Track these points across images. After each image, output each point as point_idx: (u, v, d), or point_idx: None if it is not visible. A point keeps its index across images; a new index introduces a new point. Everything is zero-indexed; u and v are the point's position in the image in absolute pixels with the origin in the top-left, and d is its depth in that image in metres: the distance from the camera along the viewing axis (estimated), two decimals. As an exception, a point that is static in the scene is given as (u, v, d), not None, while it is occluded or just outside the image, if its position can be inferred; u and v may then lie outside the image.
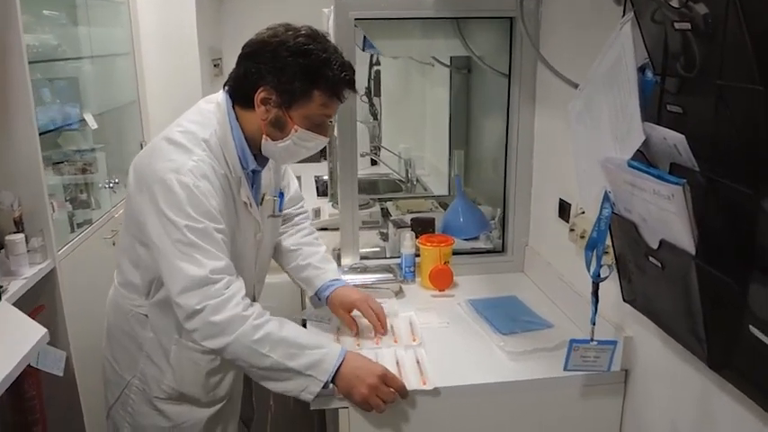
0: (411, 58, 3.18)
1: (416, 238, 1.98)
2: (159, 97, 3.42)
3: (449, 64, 2.64)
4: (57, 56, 2.60)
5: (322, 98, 1.42)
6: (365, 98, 3.92)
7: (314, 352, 1.38)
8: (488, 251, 2.13)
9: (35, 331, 1.75)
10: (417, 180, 3.15)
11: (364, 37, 2.15)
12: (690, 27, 0.99)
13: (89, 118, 2.69)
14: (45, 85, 2.59)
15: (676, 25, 1.01)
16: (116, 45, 3.23)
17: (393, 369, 1.44)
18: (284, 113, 1.43)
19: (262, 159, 1.55)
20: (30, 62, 2.22)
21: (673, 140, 1.03)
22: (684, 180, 0.97)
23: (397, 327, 1.66)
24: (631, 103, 1.11)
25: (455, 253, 1.98)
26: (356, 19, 1.79)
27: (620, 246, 1.28)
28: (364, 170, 3.56)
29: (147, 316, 1.57)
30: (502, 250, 2.09)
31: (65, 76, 2.79)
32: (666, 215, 1.03)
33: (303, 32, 1.42)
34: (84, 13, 2.93)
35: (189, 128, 1.46)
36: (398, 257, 2.00)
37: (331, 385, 1.38)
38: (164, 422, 1.59)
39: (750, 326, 0.95)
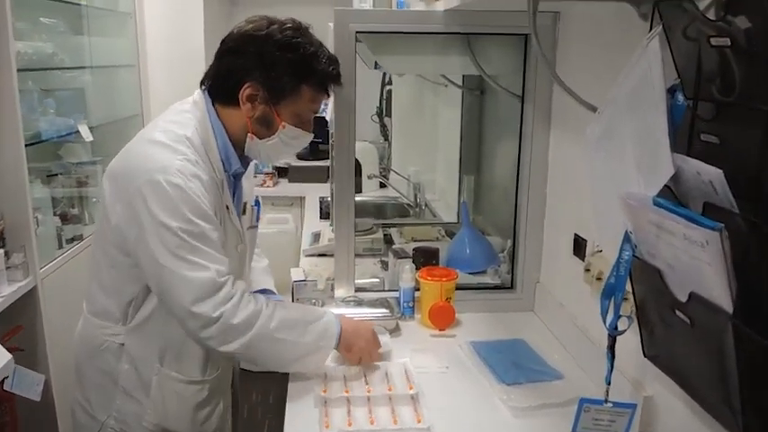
0: (423, 78, 3.04)
1: (417, 270, 1.82)
2: (164, 111, 3.31)
3: (461, 84, 2.49)
4: (53, 64, 2.50)
5: (310, 93, 1.39)
6: (376, 118, 3.80)
7: (318, 324, 1.44)
8: (496, 287, 1.96)
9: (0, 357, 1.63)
10: (426, 205, 2.99)
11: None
12: (729, 43, 0.84)
13: (83, 129, 2.59)
14: (47, 94, 2.49)
15: (713, 41, 0.87)
16: (120, 56, 3.15)
17: (386, 407, 1.36)
18: (271, 110, 1.37)
19: (245, 161, 1.47)
20: (20, 69, 2.12)
21: (708, 176, 0.87)
22: (722, 224, 0.81)
23: (391, 374, 1.50)
24: (659, 130, 0.96)
25: (459, 288, 1.81)
26: (357, 32, 1.66)
27: (642, 294, 1.11)
28: (371, 193, 3.42)
29: (123, 345, 1.42)
30: (510, 287, 1.92)
31: (70, 86, 2.69)
32: (698, 264, 0.87)
33: (289, 25, 1.36)
34: (87, 22, 2.84)
35: (168, 127, 1.35)
36: (397, 291, 1.84)
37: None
38: None
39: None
